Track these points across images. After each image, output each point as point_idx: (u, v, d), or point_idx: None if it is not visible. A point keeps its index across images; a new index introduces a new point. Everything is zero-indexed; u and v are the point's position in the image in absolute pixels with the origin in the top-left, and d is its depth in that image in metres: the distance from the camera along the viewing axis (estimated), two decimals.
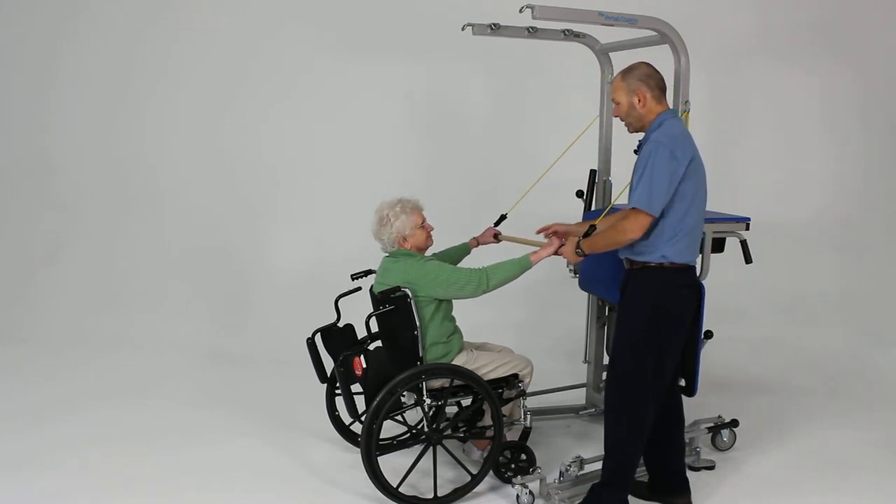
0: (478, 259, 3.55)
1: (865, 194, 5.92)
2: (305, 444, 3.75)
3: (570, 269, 3.80)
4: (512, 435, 3.36)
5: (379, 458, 3.05)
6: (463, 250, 3.64)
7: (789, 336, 5.48)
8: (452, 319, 3.30)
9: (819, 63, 5.85)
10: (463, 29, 3.53)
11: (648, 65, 2.91)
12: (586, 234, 3.01)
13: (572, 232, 3.20)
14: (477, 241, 3.67)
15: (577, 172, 4.12)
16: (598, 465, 3.05)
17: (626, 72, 2.89)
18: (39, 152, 5.95)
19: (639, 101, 2.86)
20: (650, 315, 2.83)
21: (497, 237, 3.65)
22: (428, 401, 3.11)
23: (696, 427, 3.57)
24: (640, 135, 2.92)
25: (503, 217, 3.72)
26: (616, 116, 2.96)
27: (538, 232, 3.35)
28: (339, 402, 3.54)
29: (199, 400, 4.33)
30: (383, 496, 3.07)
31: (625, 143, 3.71)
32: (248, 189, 5.88)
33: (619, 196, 3.26)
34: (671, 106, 3.27)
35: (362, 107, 5.79)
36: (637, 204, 2.73)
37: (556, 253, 3.13)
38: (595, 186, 3.88)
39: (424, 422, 3.19)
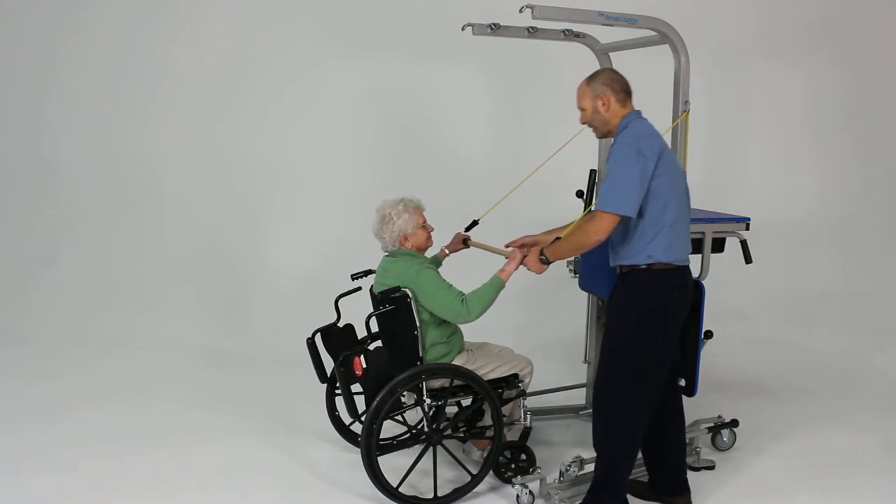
0: (451, 265, 3.54)
1: (865, 194, 5.92)
2: (305, 444, 3.75)
3: (570, 269, 3.80)
4: (512, 435, 3.36)
5: (379, 458, 3.05)
6: (434, 263, 3.55)
7: (789, 336, 5.48)
8: None
9: (819, 63, 5.85)
10: (463, 29, 3.53)
11: (612, 70, 2.95)
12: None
13: (540, 242, 3.16)
14: (447, 252, 3.60)
15: (577, 172, 4.12)
16: None
17: (590, 77, 2.92)
18: (39, 152, 5.95)
19: (603, 104, 2.87)
20: (638, 317, 2.81)
21: (466, 242, 3.58)
22: (428, 401, 3.11)
23: (696, 427, 3.57)
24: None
25: (475, 223, 3.65)
26: (583, 123, 2.98)
27: (506, 246, 3.33)
28: (339, 402, 3.54)
29: (200, 400, 4.33)
30: (383, 496, 3.07)
31: None
32: (249, 189, 5.87)
33: None
34: (668, 107, 3.28)
35: (362, 107, 5.79)
36: (602, 206, 2.72)
37: (521, 264, 3.11)
38: (595, 186, 3.87)
39: (424, 422, 3.19)
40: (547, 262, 2.97)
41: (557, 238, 2.98)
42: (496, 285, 3.11)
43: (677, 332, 2.91)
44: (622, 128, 2.84)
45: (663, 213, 2.75)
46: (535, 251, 3.01)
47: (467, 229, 3.63)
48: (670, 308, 2.83)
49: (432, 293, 3.10)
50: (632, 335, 2.82)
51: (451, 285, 3.14)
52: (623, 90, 2.88)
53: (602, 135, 2.97)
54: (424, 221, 3.30)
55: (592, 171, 3.86)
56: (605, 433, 2.92)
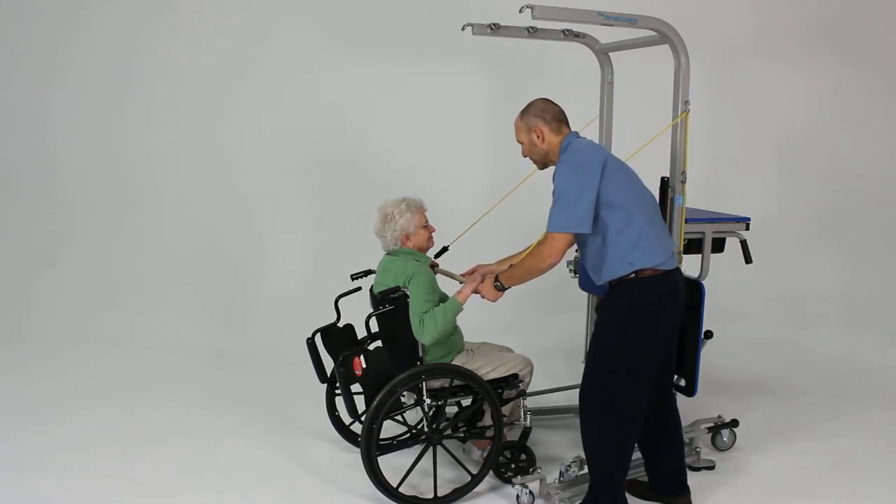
0: None
1: (866, 194, 5.92)
2: (305, 444, 3.75)
3: (570, 269, 3.80)
4: (512, 435, 3.37)
5: (379, 458, 3.05)
6: None
7: (789, 336, 5.48)
8: None
9: (819, 62, 5.85)
10: (463, 29, 3.53)
11: (544, 99, 2.96)
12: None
13: (493, 271, 3.17)
14: None
15: None
16: None
17: (523, 111, 2.97)
18: (39, 152, 5.95)
19: (537, 136, 2.91)
20: (631, 318, 2.78)
21: (433, 269, 3.48)
22: (428, 401, 3.11)
23: (696, 427, 3.57)
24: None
25: (445, 249, 3.59)
26: (525, 157, 3.02)
27: (463, 275, 3.34)
28: (339, 402, 3.55)
29: (200, 400, 4.33)
30: (383, 496, 3.07)
31: (626, 143, 3.72)
32: (249, 189, 5.88)
33: None
34: (668, 107, 3.28)
35: (361, 106, 5.79)
36: (552, 228, 2.72)
37: (475, 291, 3.10)
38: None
39: (424, 422, 3.19)
40: (502, 289, 2.98)
41: (511, 266, 2.99)
42: (453, 308, 3.09)
43: (667, 338, 2.89)
44: (563, 150, 2.87)
45: (630, 222, 2.74)
46: (490, 278, 3.02)
47: (437, 256, 3.57)
48: (660, 315, 2.80)
49: (413, 298, 3.10)
50: (627, 336, 2.79)
51: (429, 300, 3.10)
52: (555, 119, 2.91)
53: (542, 166, 3.00)
54: (426, 221, 3.31)
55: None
56: (601, 437, 2.88)
